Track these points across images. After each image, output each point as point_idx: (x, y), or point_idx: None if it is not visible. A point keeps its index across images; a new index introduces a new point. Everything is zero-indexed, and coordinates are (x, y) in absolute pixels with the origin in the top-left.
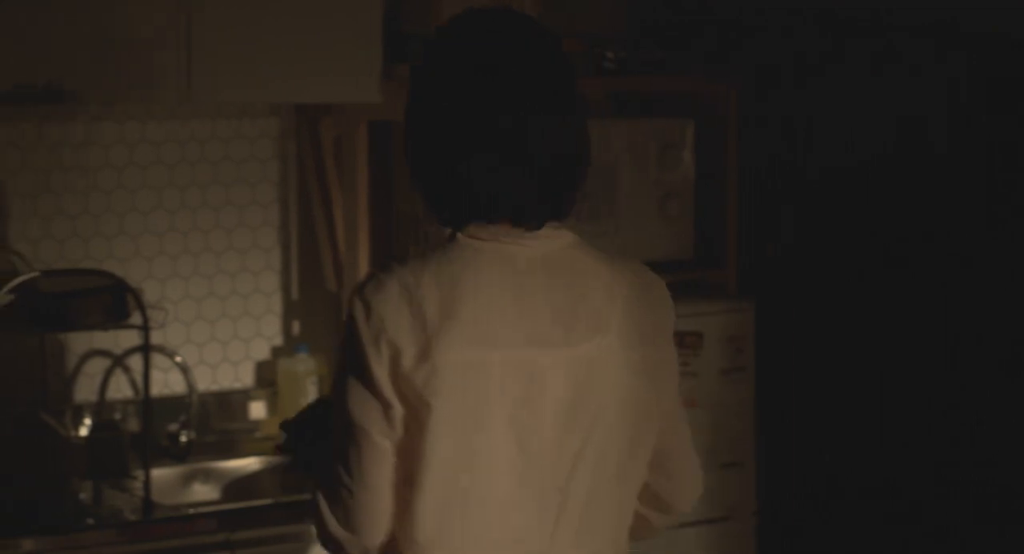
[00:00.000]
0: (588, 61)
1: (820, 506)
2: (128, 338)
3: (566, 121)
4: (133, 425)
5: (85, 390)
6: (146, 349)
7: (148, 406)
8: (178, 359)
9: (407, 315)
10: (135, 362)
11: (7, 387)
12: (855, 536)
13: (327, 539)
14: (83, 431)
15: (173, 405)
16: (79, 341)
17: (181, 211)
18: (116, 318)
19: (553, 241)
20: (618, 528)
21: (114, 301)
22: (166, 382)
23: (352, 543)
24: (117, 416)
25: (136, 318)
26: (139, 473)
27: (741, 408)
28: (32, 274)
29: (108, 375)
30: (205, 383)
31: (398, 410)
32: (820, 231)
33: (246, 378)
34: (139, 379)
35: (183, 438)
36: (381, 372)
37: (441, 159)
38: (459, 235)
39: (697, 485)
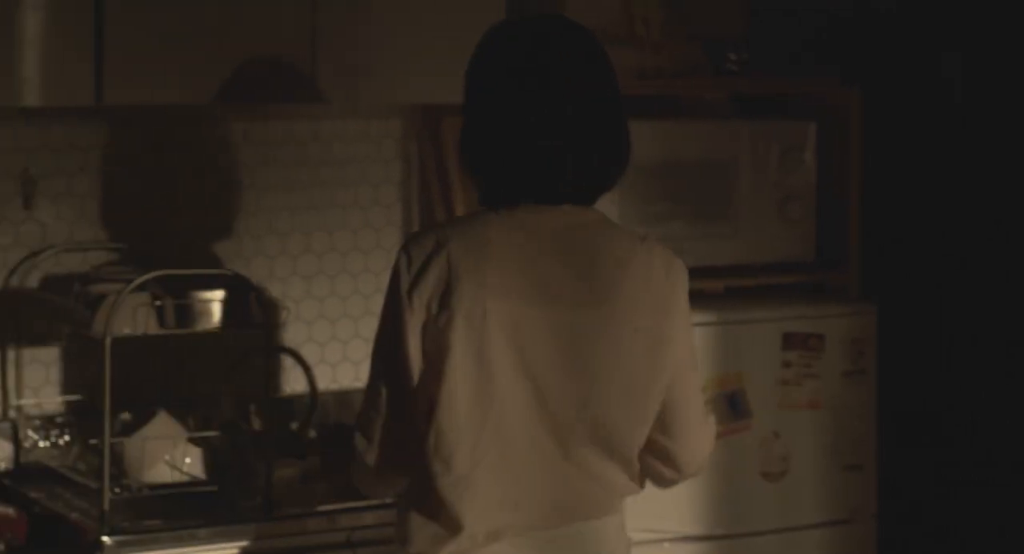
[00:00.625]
0: (710, 62)
1: (941, 508)
2: (250, 337)
3: (589, 113)
4: (255, 423)
5: (208, 389)
6: (268, 348)
7: (270, 404)
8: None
9: (438, 267)
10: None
11: (131, 386)
12: (976, 538)
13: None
14: (205, 430)
15: (294, 404)
16: (202, 339)
17: (304, 211)
18: (239, 317)
19: (579, 216)
20: (624, 472)
21: (237, 300)
22: (287, 380)
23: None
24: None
25: (258, 317)
26: (261, 471)
27: (862, 410)
28: (155, 273)
29: (230, 374)
30: (325, 382)
31: (416, 361)
32: (943, 232)
33: (366, 377)
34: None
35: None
36: (413, 322)
37: (485, 145)
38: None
39: (702, 447)
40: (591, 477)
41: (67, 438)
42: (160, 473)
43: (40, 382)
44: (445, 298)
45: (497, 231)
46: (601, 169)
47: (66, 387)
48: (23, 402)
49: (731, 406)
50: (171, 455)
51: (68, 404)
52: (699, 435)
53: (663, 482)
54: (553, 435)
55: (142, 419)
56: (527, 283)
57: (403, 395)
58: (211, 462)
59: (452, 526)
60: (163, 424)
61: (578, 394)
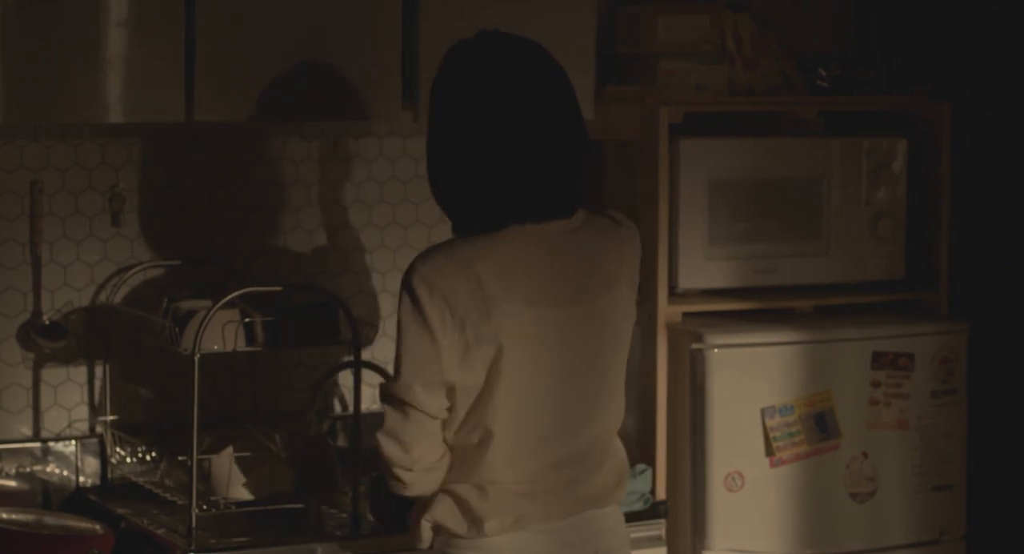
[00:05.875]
0: (802, 79)
1: None
2: (337, 353)
3: (561, 129)
4: (342, 440)
5: (294, 405)
6: (357, 365)
7: (357, 421)
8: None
9: (466, 286)
10: (344, 377)
11: (218, 402)
12: None
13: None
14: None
15: (382, 420)
16: (289, 356)
17: (391, 227)
18: (327, 334)
19: (572, 220)
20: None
21: (325, 317)
22: (375, 397)
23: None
24: (326, 431)
25: (346, 334)
26: (348, 488)
27: (952, 430)
28: (244, 290)
29: (317, 390)
30: None
31: (458, 385)
32: None
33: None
34: (348, 394)
35: None
36: (448, 345)
37: (458, 172)
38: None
39: None
40: (598, 464)
41: (154, 454)
42: (247, 490)
43: (128, 398)
44: (487, 312)
45: (515, 246)
46: (576, 180)
47: (153, 403)
48: (111, 418)
49: (819, 425)
50: (258, 472)
51: (155, 420)
52: None
53: None
54: (574, 437)
55: (229, 436)
56: (540, 288)
57: (431, 430)
58: (297, 479)
59: (476, 519)
60: (250, 441)
61: (589, 385)
